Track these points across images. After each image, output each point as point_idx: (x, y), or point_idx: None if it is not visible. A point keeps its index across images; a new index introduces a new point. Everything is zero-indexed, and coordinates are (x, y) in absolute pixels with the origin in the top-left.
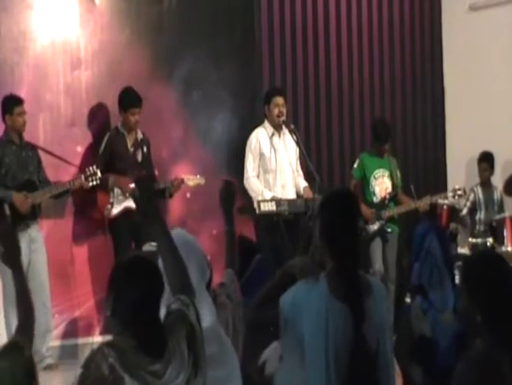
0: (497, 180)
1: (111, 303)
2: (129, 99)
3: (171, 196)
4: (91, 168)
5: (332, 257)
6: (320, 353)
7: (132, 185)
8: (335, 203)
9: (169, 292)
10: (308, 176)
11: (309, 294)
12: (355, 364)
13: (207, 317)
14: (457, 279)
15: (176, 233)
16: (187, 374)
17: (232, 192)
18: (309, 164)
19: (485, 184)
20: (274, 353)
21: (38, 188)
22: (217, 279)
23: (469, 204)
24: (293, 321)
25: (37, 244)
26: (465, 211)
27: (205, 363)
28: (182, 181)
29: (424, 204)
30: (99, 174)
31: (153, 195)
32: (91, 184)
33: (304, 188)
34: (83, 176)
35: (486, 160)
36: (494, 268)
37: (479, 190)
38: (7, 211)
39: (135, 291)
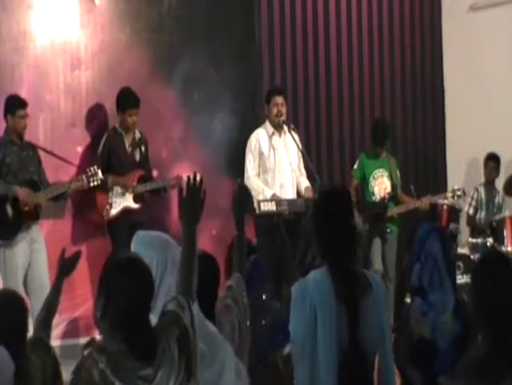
0: (498, 180)
1: (101, 304)
2: (127, 99)
3: (165, 190)
4: (92, 169)
5: (326, 255)
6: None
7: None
8: (325, 202)
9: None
10: (308, 177)
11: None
12: (349, 366)
13: None
14: (458, 280)
15: (146, 233)
16: (179, 379)
17: (245, 197)
18: (309, 164)
19: (490, 184)
20: None
21: (40, 187)
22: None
23: (474, 202)
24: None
25: (38, 244)
26: (471, 211)
27: (198, 368)
28: (181, 179)
29: (424, 204)
30: (100, 174)
31: (202, 200)
32: (92, 184)
33: (305, 188)
34: (84, 177)
35: (493, 160)
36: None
37: (482, 190)
38: (9, 211)
39: (127, 293)
